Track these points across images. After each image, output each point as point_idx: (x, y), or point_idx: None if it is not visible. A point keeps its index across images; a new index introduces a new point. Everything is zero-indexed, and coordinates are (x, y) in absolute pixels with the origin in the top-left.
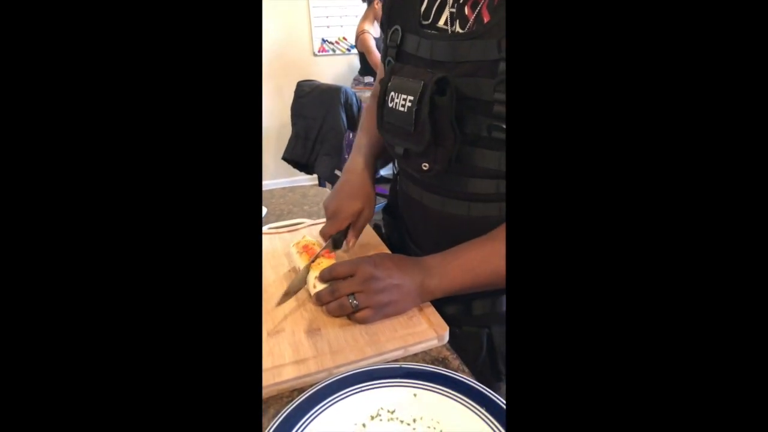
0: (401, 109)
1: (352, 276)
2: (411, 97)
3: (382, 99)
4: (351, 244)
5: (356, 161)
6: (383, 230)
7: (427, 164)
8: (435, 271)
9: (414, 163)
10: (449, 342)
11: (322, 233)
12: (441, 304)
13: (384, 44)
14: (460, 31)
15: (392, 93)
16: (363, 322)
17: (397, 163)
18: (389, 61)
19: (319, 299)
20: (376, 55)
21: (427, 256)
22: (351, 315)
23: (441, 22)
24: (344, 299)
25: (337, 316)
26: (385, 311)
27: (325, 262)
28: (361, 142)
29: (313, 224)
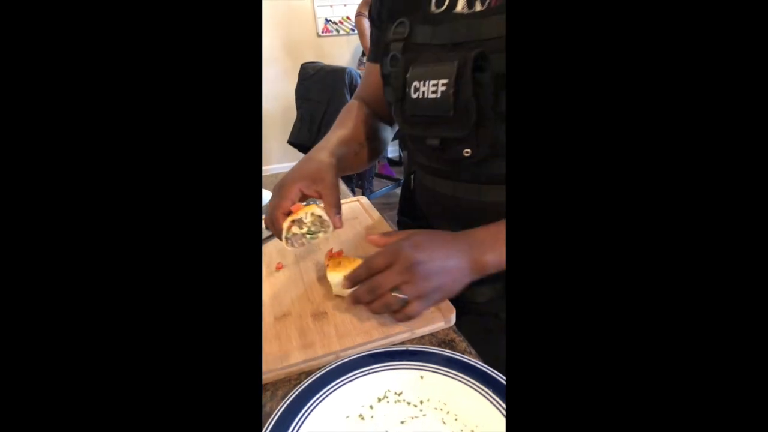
0: (432, 96)
1: (390, 266)
2: (444, 81)
3: (401, 93)
4: (339, 224)
5: (319, 154)
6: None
7: (469, 150)
8: (488, 243)
9: (452, 152)
10: (462, 320)
11: (273, 215)
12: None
13: (377, 39)
14: (481, 8)
15: (415, 83)
16: (413, 316)
17: (419, 160)
18: (394, 56)
19: (357, 300)
20: (369, 39)
21: (473, 229)
22: (398, 312)
23: (458, 7)
24: (388, 296)
25: (381, 313)
26: (434, 298)
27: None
28: (332, 138)
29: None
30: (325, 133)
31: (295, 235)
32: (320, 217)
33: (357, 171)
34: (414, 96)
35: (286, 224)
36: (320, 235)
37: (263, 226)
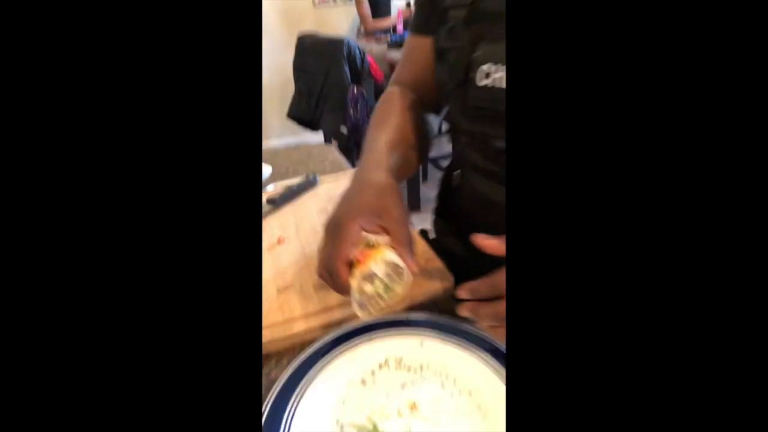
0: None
1: None
2: None
3: (463, 76)
4: (415, 269)
5: (375, 173)
6: (431, 236)
7: None
8: None
9: None
10: None
11: (332, 266)
12: None
13: (430, 2)
14: None
15: (484, 66)
16: None
17: (470, 157)
18: (454, 27)
19: (476, 317)
20: (365, 6)
21: None
22: None
23: None
24: None
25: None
26: None
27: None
28: (379, 145)
29: (331, 182)
30: (324, 106)
31: (368, 296)
32: (395, 263)
33: (403, 180)
34: (481, 83)
35: (355, 282)
36: (398, 288)
37: (264, 199)
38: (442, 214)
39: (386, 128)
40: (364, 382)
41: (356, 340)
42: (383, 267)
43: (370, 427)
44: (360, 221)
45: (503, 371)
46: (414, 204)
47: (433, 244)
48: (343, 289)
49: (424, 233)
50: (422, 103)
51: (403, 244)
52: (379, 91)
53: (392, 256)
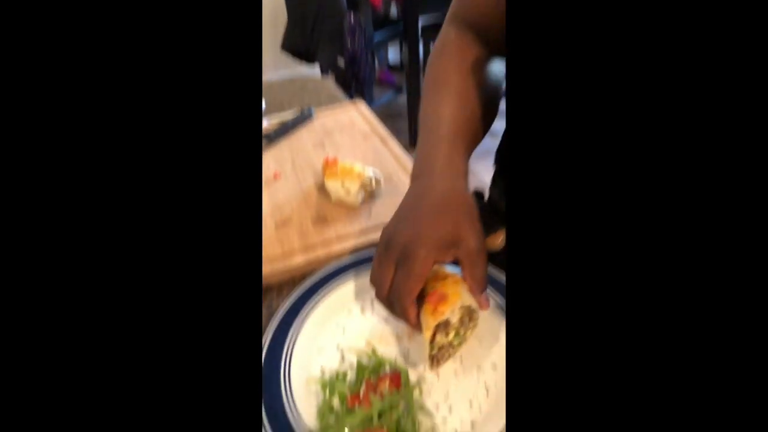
0: None
1: None
2: None
3: None
4: (486, 305)
5: (448, 182)
6: (487, 198)
7: None
8: None
9: None
10: None
11: (401, 302)
12: None
13: None
14: None
15: None
16: None
17: None
18: None
19: None
20: None
21: None
22: None
23: None
24: None
25: None
26: None
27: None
28: (444, 127)
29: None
30: (319, 37)
31: (440, 346)
32: (469, 307)
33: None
34: None
35: (429, 333)
36: (469, 334)
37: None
38: (503, 170)
39: (448, 102)
40: (363, 310)
41: (355, 270)
42: (458, 313)
43: (369, 350)
44: (435, 254)
45: (501, 300)
46: None
47: (487, 207)
48: (411, 325)
49: (479, 196)
50: (489, 47)
51: (479, 281)
52: (377, 18)
53: (467, 298)
